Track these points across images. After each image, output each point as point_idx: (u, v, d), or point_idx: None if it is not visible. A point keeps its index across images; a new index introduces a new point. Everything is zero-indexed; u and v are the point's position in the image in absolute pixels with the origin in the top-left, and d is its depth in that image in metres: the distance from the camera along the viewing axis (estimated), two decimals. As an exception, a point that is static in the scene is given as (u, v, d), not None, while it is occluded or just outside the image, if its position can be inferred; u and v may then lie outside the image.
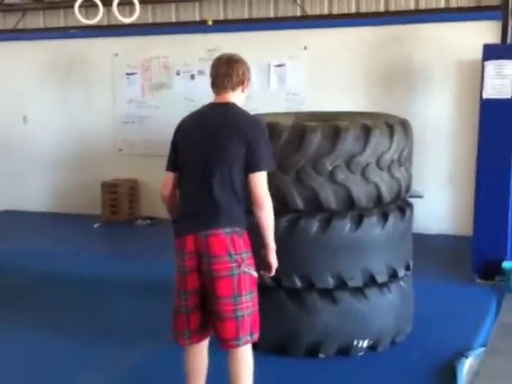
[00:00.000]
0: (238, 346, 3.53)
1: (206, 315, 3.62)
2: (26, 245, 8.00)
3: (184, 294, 3.60)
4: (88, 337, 5.13)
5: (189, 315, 3.61)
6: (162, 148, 8.87)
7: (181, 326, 3.66)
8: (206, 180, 3.52)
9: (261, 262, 3.66)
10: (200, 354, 3.74)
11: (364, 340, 4.56)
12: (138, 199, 9.43)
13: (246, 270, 3.52)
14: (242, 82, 3.66)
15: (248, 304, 3.53)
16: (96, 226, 9.01)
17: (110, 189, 9.28)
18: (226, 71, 3.62)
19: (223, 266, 3.47)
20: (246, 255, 3.55)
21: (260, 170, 3.51)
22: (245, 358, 3.59)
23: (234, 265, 3.48)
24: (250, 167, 3.50)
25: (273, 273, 3.71)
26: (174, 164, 3.72)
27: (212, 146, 3.54)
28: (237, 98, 3.68)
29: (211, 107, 3.70)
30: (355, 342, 4.54)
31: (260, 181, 3.50)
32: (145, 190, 9.35)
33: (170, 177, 3.74)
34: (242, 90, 3.70)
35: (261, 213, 3.52)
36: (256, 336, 3.60)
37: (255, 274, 3.60)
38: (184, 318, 3.63)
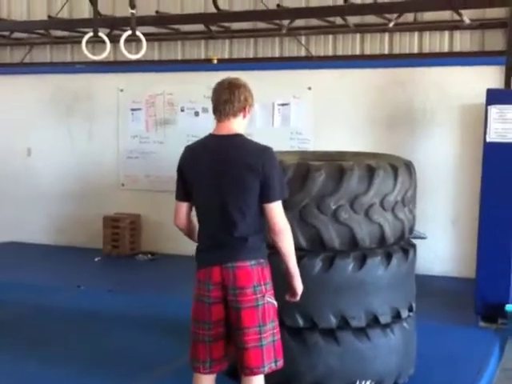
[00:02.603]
0: (263, 372, 3.61)
1: (228, 344, 3.66)
2: (27, 277, 7.96)
3: (208, 324, 3.61)
4: (87, 369, 5.09)
5: (211, 345, 3.63)
6: (164, 183, 8.97)
7: (202, 356, 3.66)
8: (226, 212, 3.56)
9: (285, 288, 3.74)
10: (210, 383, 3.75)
11: (366, 381, 4.51)
12: (139, 234, 9.42)
13: (269, 300, 3.61)
14: (243, 108, 3.66)
15: (271, 332, 3.62)
16: (97, 259, 8.99)
17: (112, 223, 9.28)
18: (228, 97, 3.60)
19: (249, 297, 3.54)
20: (269, 286, 3.64)
21: (276, 200, 3.58)
22: None
23: (259, 296, 3.56)
24: (266, 198, 3.56)
25: (298, 298, 3.77)
26: (185, 194, 3.73)
27: (226, 179, 3.56)
28: (239, 123, 3.68)
29: (217, 139, 3.67)
30: (357, 383, 4.50)
31: (276, 210, 3.58)
32: (146, 225, 9.34)
33: (182, 207, 3.76)
34: (244, 116, 3.69)
35: (281, 241, 3.60)
36: (280, 363, 3.68)
37: (276, 304, 3.68)
38: (206, 347, 3.64)
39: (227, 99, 3.60)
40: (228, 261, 3.55)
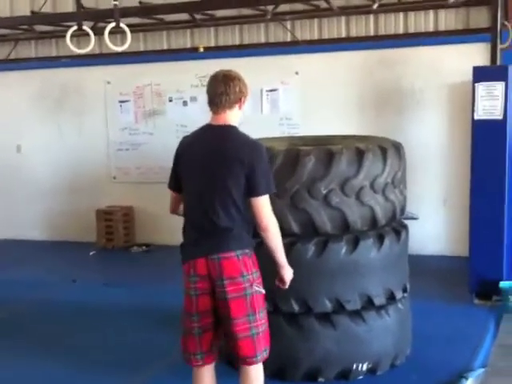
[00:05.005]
0: (256, 362, 3.63)
1: (218, 335, 3.69)
2: (22, 273, 7.96)
3: (196, 316, 3.64)
4: (84, 363, 5.10)
5: (201, 336, 3.66)
6: (156, 175, 8.96)
7: (192, 348, 3.68)
8: (212, 204, 3.57)
9: (275, 276, 3.78)
10: (209, 375, 3.77)
11: (363, 363, 4.54)
12: (133, 226, 9.41)
13: (257, 289, 3.63)
14: (239, 99, 3.68)
15: (262, 321, 3.64)
16: (92, 253, 8.99)
17: (105, 216, 9.27)
18: (224, 90, 3.62)
19: (237, 287, 3.55)
20: (256, 275, 3.65)
21: (260, 194, 3.57)
22: (257, 375, 3.68)
23: (247, 285, 3.57)
24: (251, 192, 3.57)
25: (287, 286, 3.81)
26: (175, 184, 3.81)
27: (214, 172, 3.58)
28: (234, 115, 3.70)
29: (211, 130, 3.70)
30: (355, 366, 4.53)
31: (261, 205, 3.58)
32: (140, 217, 9.32)
33: (175, 197, 3.86)
34: (240, 107, 3.72)
35: (266, 235, 3.62)
36: (268, 351, 3.70)
37: (264, 292, 3.69)
38: (196, 339, 3.66)
39: (223, 91, 3.62)
40: (213, 252, 3.56)
